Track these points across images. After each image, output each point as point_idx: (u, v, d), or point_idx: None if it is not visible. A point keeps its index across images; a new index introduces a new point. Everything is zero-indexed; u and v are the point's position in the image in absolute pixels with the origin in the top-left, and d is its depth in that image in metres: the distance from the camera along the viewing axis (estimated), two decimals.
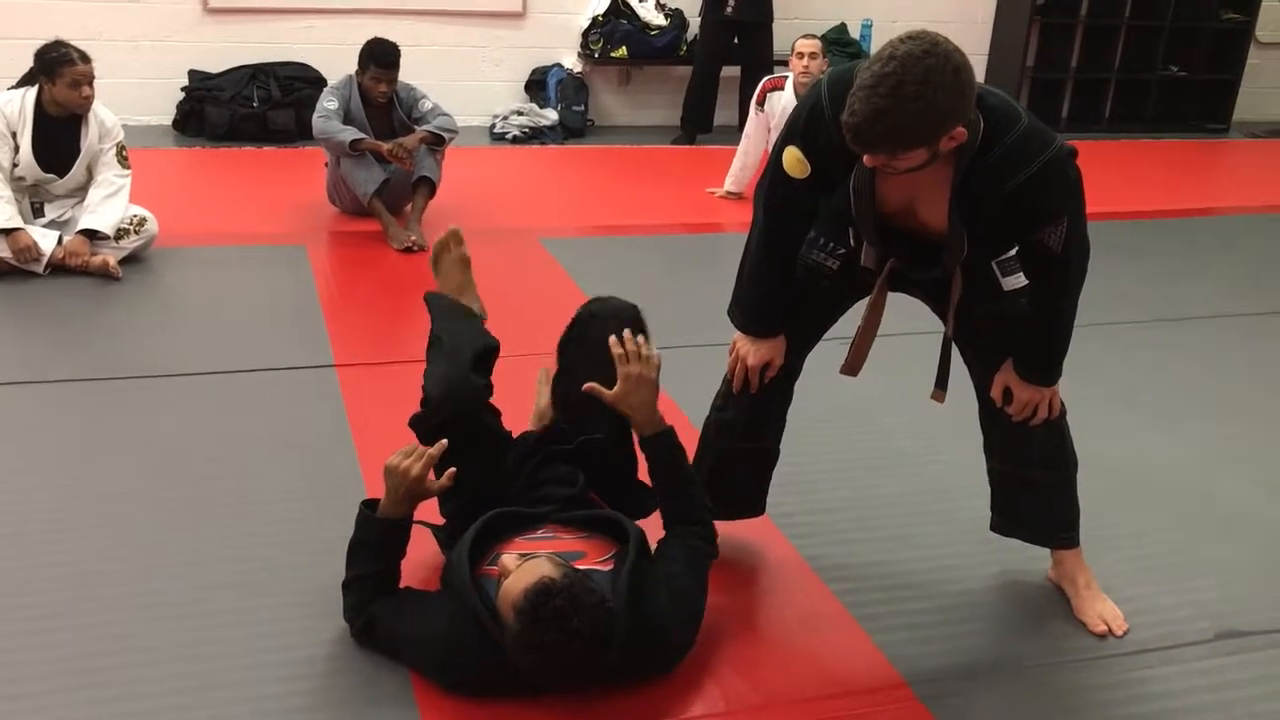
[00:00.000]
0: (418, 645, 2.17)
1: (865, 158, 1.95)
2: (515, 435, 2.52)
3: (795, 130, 2.15)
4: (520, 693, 2.10)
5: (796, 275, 2.31)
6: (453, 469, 2.24)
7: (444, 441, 2.24)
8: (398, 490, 2.21)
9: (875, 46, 7.60)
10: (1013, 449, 2.44)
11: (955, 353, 2.38)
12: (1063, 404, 2.40)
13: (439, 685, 2.14)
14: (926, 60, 1.82)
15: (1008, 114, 2.01)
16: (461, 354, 2.39)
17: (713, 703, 2.17)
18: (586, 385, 2.34)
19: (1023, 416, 2.34)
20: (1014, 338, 2.29)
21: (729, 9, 6.67)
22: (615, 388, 2.33)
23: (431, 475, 2.23)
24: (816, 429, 3.13)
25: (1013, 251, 2.20)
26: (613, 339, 2.32)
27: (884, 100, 1.83)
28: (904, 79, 1.81)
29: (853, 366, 2.40)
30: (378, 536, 2.25)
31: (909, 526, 2.81)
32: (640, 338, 2.36)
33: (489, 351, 2.44)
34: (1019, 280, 2.22)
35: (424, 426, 2.36)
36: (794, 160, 2.15)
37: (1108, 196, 6.24)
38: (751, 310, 2.37)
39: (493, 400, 2.46)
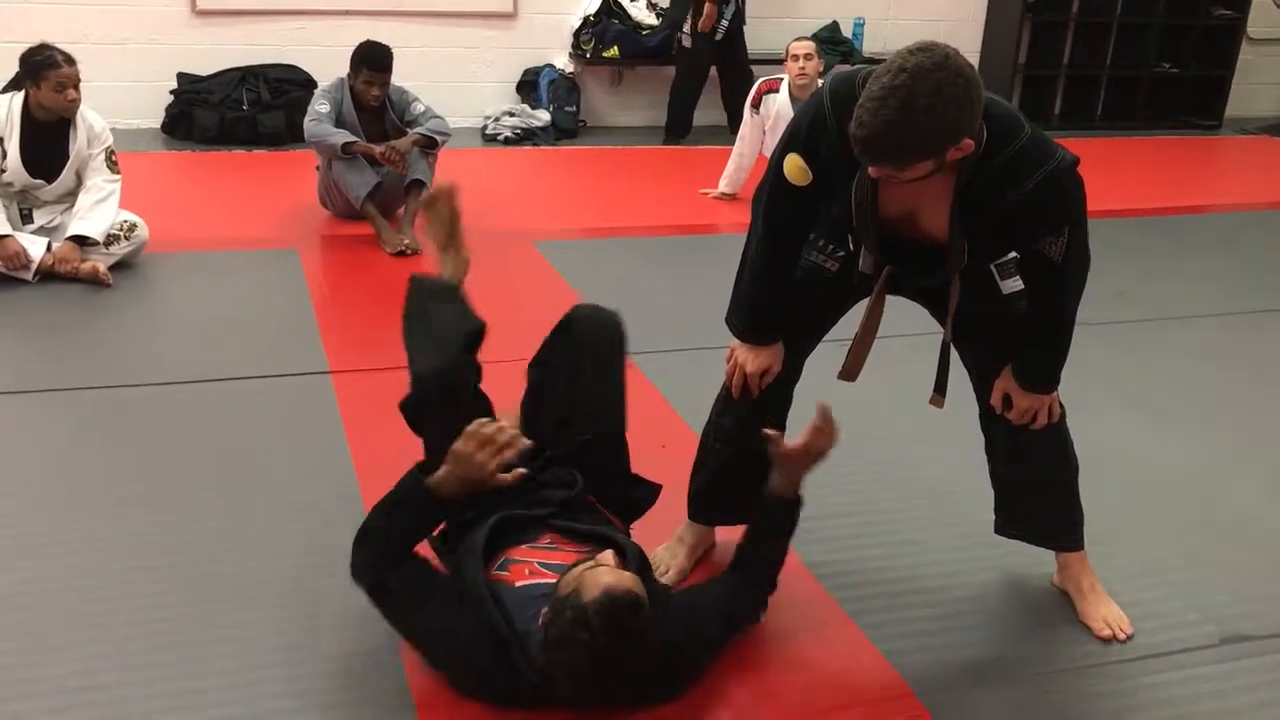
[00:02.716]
0: (430, 639, 2.10)
1: (871, 169, 1.94)
2: None
3: (797, 138, 2.13)
4: (528, 704, 2.07)
5: (795, 279, 2.31)
6: (521, 470, 2.17)
7: (524, 440, 2.16)
8: (464, 478, 2.11)
9: (868, 45, 7.64)
10: (1013, 451, 2.43)
11: (955, 357, 2.37)
12: (1062, 406, 2.39)
13: (447, 681, 2.11)
14: (937, 74, 1.81)
15: (1012, 124, 2.00)
16: (449, 335, 2.36)
17: (717, 715, 2.14)
18: (773, 439, 2.27)
19: (1022, 422, 2.33)
20: (1013, 346, 2.28)
21: (720, 35, 6.65)
22: (798, 449, 2.26)
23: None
24: None
25: (1011, 255, 2.19)
26: (822, 409, 2.26)
27: (894, 113, 1.81)
28: (915, 91, 1.80)
29: (850, 372, 2.39)
30: (420, 505, 2.14)
31: (911, 531, 2.79)
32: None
33: (476, 334, 2.41)
34: (1017, 284, 2.23)
35: (413, 410, 2.33)
36: (795, 168, 2.13)
37: (1100, 194, 6.18)
38: (750, 317, 2.35)
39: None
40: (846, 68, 5.28)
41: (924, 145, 1.86)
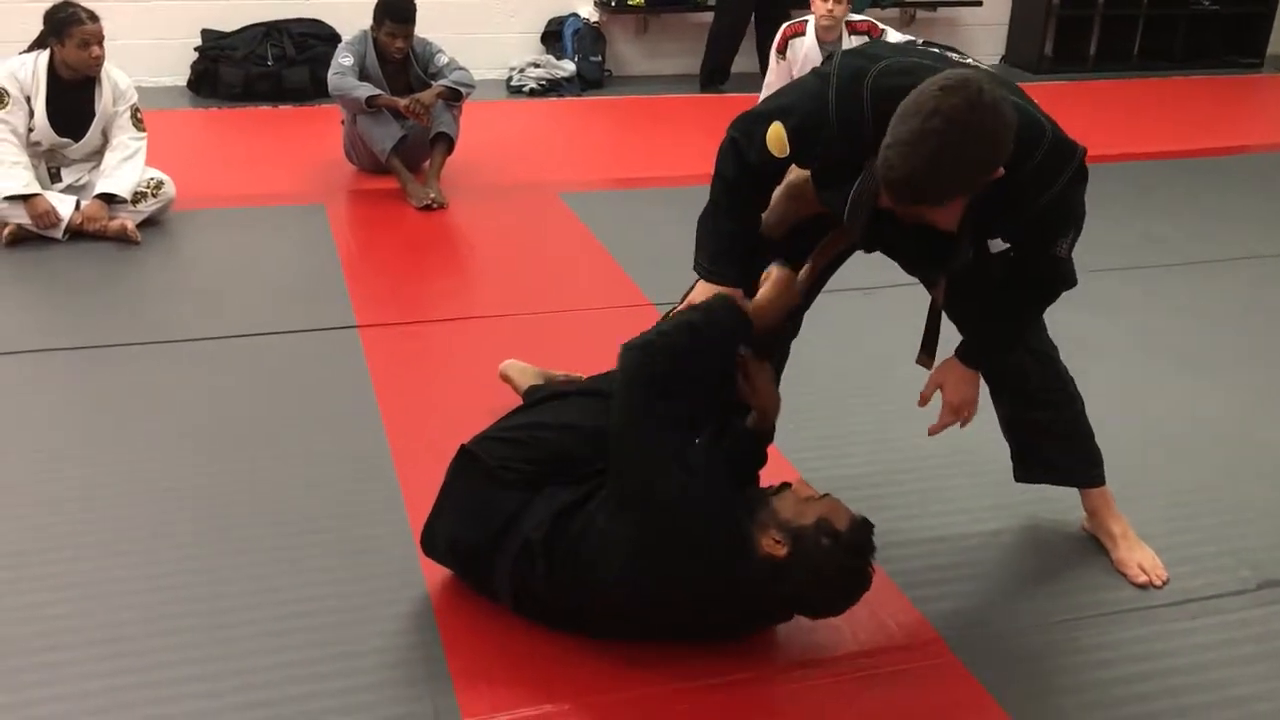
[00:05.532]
0: (673, 478, 2.00)
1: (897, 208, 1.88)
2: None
3: (793, 113, 2.05)
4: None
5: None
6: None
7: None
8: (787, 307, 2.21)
9: None
10: (1012, 389, 2.42)
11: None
12: (1051, 342, 2.40)
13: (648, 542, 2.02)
14: (971, 115, 1.75)
15: (1032, 130, 1.92)
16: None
17: (752, 663, 2.14)
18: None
19: (957, 419, 2.30)
20: (990, 309, 2.25)
21: None
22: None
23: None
24: (841, 385, 3.08)
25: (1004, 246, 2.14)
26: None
27: (926, 163, 1.76)
28: (947, 139, 1.74)
29: (803, 283, 2.32)
30: (733, 330, 2.13)
31: (938, 480, 2.76)
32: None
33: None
34: (1001, 244, 2.16)
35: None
36: (777, 140, 2.06)
37: (1137, 137, 6.11)
38: (710, 253, 2.26)
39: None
40: (866, 32, 5.16)
41: (956, 188, 1.82)
